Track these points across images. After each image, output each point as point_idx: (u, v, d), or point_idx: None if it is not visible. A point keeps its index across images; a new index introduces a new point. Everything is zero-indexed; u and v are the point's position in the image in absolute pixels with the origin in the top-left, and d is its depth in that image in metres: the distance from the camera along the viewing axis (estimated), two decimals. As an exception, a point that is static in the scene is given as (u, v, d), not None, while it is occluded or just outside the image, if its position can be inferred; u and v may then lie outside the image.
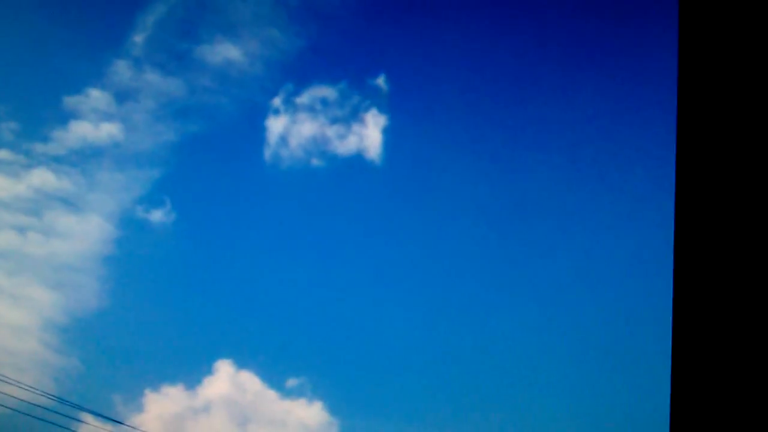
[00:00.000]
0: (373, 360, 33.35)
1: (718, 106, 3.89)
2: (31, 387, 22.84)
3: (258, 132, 33.77)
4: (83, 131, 32.18)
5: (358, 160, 33.28)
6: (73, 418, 23.43)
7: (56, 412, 22.96)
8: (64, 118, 32.70)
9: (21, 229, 31.05)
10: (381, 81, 33.47)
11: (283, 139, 33.20)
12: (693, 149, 3.91)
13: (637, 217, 33.09)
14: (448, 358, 32.73)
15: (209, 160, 35.41)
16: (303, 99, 33.39)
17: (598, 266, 33.75)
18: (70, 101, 32.56)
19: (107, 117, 32.62)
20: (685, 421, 3.48)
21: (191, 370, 32.29)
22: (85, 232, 31.60)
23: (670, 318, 3.70)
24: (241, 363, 31.08)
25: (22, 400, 22.38)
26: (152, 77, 33.01)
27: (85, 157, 32.31)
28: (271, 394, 30.20)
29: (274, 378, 32.46)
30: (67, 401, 23.53)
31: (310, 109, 33.22)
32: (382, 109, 33.17)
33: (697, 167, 3.85)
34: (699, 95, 3.98)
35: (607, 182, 34.05)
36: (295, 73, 34.17)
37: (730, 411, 3.37)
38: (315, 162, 33.42)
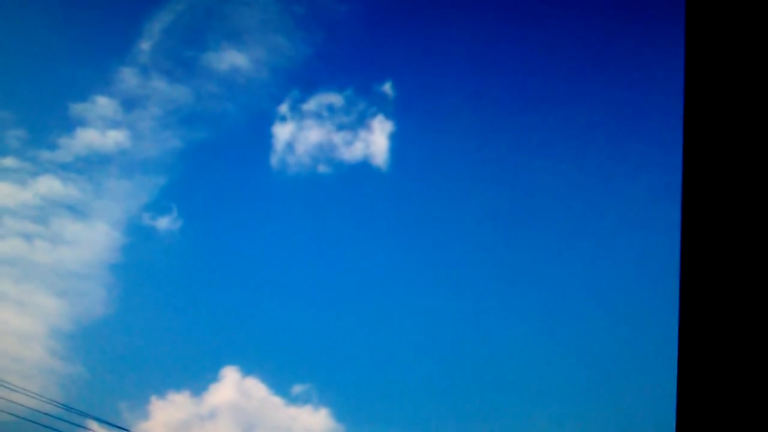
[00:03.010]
0: (379, 366, 33.28)
1: (726, 110, 3.85)
2: (36, 394, 22.85)
3: (264, 139, 33.81)
4: (90, 138, 32.26)
5: (364, 166, 33.28)
6: (79, 426, 23.42)
7: (62, 420, 22.96)
8: (71, 125, 32.81)
9: (27, 237, 31.12)
10: (387, 87, 33.49)
11: (290, 146, 33.23)
12: (700, 154, 3.87)
13: (643, 223, 32.97)
14: (455, 365, 32.63)
15: (216, 166, 35.47)
16: (309, 105, 33.43)
17: (604, 272, 33.64)
18: (76, 108, 32.67)
19: (114, 124, 32.71)
20: (692, 427, 3.44)
21: (197, 377, 32.27)
22: (91, 240, 31.65)
23: (677, 324, 3.66)
24: (247, 369, 31.05)
25: (27, 407, 22.39)
26: (159, 84, 33.10)
27: (92, 165, 32.39)
28: (277, 400, 30.16)
29: (280, 384, 32.43)
30: (73, 408, 23.53)
31: (317, 115, 33.25)
32: (388, 116, 33.18)
33: (705, 172, 3.81)
34: (706, 99, 3.95)
35: (614, 188, 33.96)
36: (301, 80, 34.22)
37: (737, 417, 3.32)
38: (321, 168, 33.44)
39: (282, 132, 33.41)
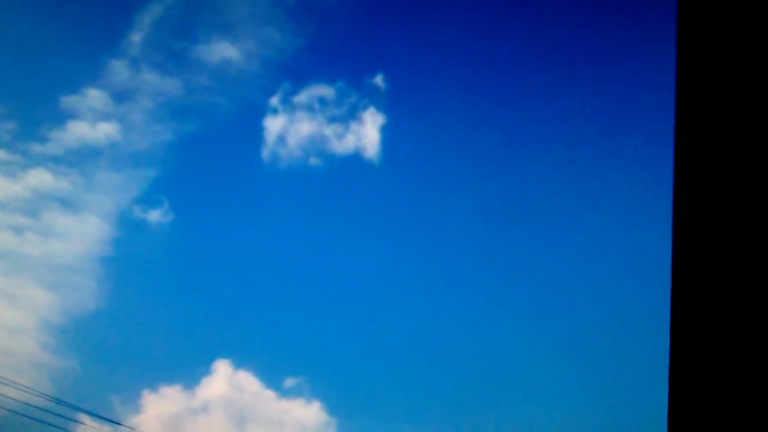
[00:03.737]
0: (371, 360, 33.31)
1: (717, 105, 3.86)
2: (28, 388, 22.78)
3: (256, 131, 33.74)
4: (80, 131, 32.12)
5: (356, 159, 33.25)
6: (71, 419, 23.38)
7: (53, 413, 22.91)
8: (62, 118, 32.66)
9: (18, 230, 30.99)
10: (379, 80, 33.45)
11: (281, 139, 33.17)
12: (692, 148, 3.87)
13: (635, 218, 33.06)
14: (446, 358, 32.68)
15: (207, 159, 35.37)
16: (301, 98, 33.36)
17: (596, 267, 33.73)
18: (67, 101, 32.51)
19: (104, 117, 32.58)
20: (683, 424, 3.45)
21: (189, 370, 32.26)
22: (82, 233, 31.53)
23: (668, 319, 3.67)
24: (239, 363, 31.05)
25: (19, 401, 22.32)
26: (149, 77, 32.96)
27: (83, 157, 32.25)
28: (269, 393, 30.17)
29: (272, 378, 32.47)
30: (64, 402, 23.47)
31: (308, 108, 33.18)
32: (379, 108, 33.15)
33: (696, 167, 3.82)
34: (698, 94, 3.95)
35: (605, 182, 34.03)
36: (292, 73, 34.14)
37: (728, 414, 3.34)
38: (313, 161, 33.39)
39: (273, 125, 33.36)
